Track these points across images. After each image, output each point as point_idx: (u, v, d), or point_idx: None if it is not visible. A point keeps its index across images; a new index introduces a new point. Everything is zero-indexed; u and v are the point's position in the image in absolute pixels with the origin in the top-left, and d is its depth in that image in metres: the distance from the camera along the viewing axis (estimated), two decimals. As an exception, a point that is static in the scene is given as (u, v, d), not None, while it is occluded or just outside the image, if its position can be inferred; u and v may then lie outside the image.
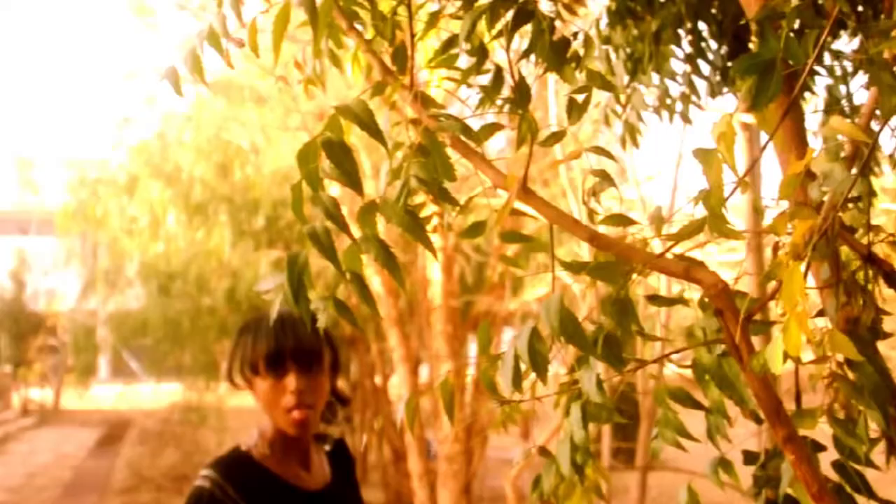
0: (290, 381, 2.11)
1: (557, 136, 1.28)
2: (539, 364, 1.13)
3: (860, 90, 2.51)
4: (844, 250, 1.41)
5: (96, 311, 17.86)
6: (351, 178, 1.17)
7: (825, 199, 1.36)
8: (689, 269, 1.22)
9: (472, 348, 10.66)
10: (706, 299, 1.43)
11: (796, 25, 1.16)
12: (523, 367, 1.23)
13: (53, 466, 14.31)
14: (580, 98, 1.41)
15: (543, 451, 1.38)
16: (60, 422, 20.85)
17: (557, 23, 1.61)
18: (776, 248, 1.29)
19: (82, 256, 16.21)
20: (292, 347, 2.12)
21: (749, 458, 1.52)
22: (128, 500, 11.81)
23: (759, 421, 1.52)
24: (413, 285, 10.11)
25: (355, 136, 1.26)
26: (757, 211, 1.34)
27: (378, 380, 12.46)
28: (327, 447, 2.35)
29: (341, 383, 2.31)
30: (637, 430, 7.98)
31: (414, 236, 1.17)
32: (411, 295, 10.45)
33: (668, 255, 1.27)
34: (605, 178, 1.30)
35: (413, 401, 1.31)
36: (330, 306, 1.17)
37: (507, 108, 1.42)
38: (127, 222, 12.69)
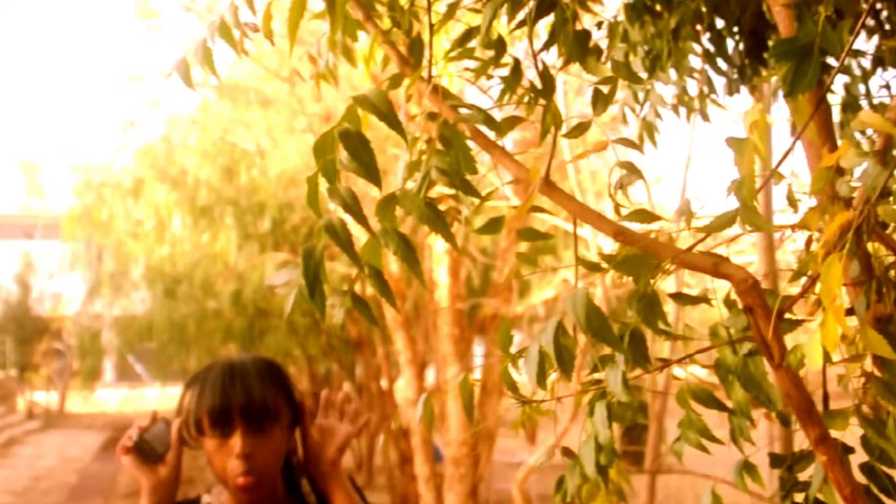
0: (236, 442, 1.84)
1: (582, 128, 1.24)
2: (565, 360, 1.09)
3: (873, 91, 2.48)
4: (872, 247, 1.38)
5: (101, 314, 17.86)
6: (369, 169, 1.13)
7: (855, 194, 1.32)
8: (717, 265, 1.18)
9: (479, 351, 10.63)
10: (732, 297, 1.39)
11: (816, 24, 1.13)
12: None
13: (59, 470, 14.30)
14: (599, 91, 1.37)
15: (567, 453, 1.34)
16: (66, 425, 20.84)
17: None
18: (808, 242, 1.25)
19: (87, 260, 16.21)
20: (241, 404, 1.85)
21: (776, 460, 1.48)
22: (133, 504, 11.79)
23: (785, 423, 1.48)
24: (419, 288, 10.08)
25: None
26: (791, 204, 1.30)
27: (384, 383, 12.43)
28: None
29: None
30: (645, 433, 7.92)
31: (434, 229, 1.13)
32: (417, 297, 10.42)
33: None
34: (633, 171, 1.26)
35: (430, 400, 1.28)
36: (347, 301, 1.13)
37: (526, 102, 1.38)
38: (132, 225, 12.69)
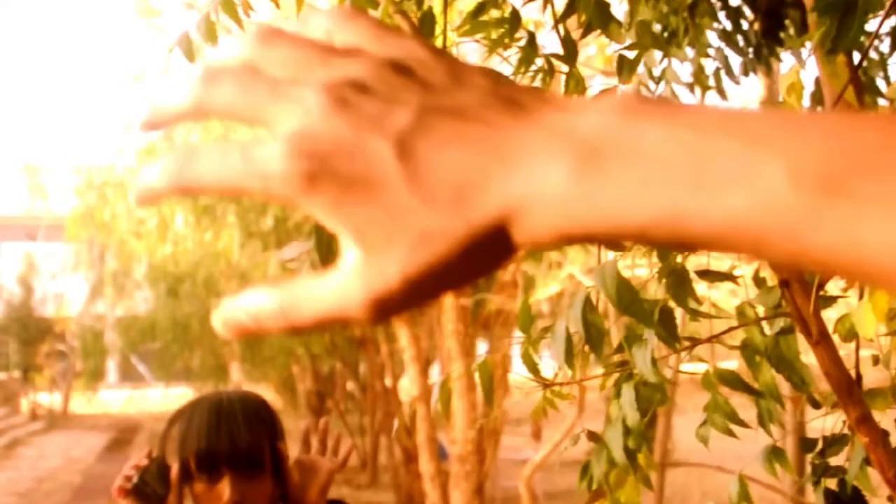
0: (224, 489, 1.77)
1: (607, 94, 1.18)
2: (594, 337, 1.03)
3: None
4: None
5: (104, 315, 17.80)
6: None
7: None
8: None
9: (483, 348, 10.58)
10: (762, 274, 1.34)
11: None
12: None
13: (62, 470, 14.25)
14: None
15: (593, 437, 1.28)
16: (69, 426, 20.81)
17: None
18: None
19: (90, 260, 16.16)
20: (228, 451, 1.78)
21: (806, 444, 1.42)
22: (137, 504, 11.71)
23: (816, 406, 1.43)
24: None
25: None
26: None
27: (388, 381, 12.38)
28: None
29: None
30: (651, 427, 7.86)
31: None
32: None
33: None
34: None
35: (447, 385, 1.22)
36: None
37: (545, 71, 1.32)
38: (135, 225, 12.65)
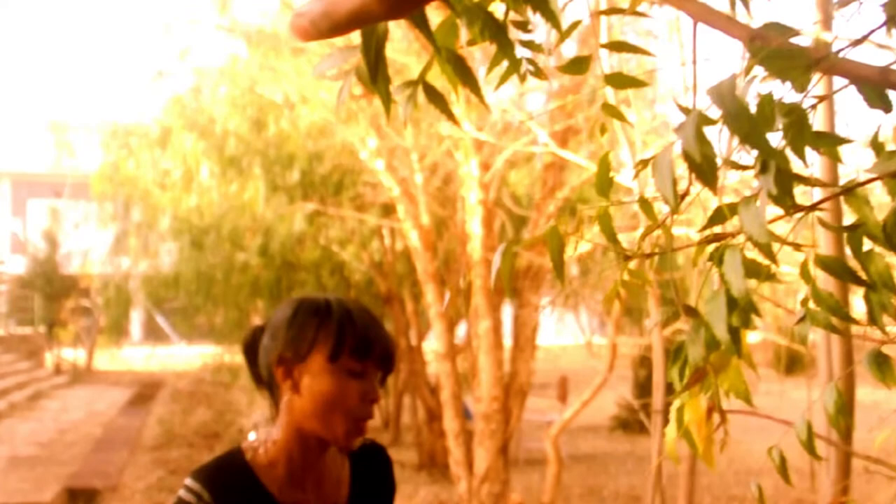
0: (370, 386, 1.73)
1: None
2: (706, 169, 0.83)
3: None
4: None
5: (129, 271, 17.75)
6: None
7: None
8: (885, 71, 0.92)
9: (509, 306, 10.39)
10: (879, 139, 1.13)
11: None
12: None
13: (84, 423, 14.25)
14: None
15: (690, 311, 1.08)
16: (92, 381, 20.87)
17: None
18: None
19: (115, 213, 16.07)
20: (382, 346, 1.76)
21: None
22: (158, 456, 11.69)
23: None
24: (451, 240, 9.83)
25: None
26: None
27: (413, 339, 12.24)
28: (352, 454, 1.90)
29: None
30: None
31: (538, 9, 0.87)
32: (449, 251, 10.18)
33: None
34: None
35: (511, 250, 1.02)
36: (417, 92, 0.87)
37: None
38: (160, 176, 12.51)
